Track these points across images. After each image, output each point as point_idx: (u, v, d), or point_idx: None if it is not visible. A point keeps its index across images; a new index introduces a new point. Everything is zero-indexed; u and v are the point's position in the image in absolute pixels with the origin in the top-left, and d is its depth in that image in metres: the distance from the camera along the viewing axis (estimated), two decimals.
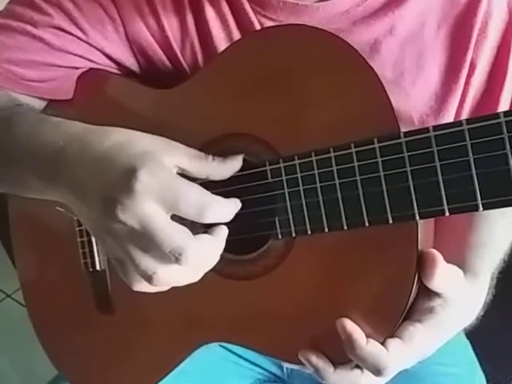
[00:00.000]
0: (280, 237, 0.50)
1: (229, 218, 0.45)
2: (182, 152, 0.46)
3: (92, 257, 0.64)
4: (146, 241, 0.41)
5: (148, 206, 0.40)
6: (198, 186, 0.43)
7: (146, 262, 0.41)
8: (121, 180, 0.41)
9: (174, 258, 0.40)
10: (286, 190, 0.48)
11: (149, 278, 0.42)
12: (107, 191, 0.41)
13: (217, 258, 0.45)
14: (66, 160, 0.45)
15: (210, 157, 0.48)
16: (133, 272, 0.43)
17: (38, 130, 0.49)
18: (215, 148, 0.53)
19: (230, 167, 0.49)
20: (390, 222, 0.43)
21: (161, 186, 0.40)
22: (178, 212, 0.42)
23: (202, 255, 0.43)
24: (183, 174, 0.45)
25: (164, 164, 0.42)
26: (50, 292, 0.71)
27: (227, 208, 0.45)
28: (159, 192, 0.40)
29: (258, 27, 0.57)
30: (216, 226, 0.46)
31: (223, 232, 0.46)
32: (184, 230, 0.42)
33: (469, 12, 0.56)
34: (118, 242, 0.42)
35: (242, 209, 0.48)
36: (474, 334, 0.63)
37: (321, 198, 0.46)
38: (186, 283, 0.44)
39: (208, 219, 0.43)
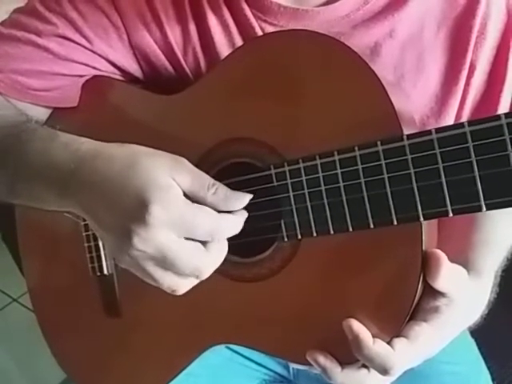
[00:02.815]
0: (286, 239, 0.50)
1: (239, 229, 0.47)
2: (185, 176, 0.45)
3: (99, 261, 0.65)
4: (167, 264, 0.44)
5: (163, 236, 0.42)
6: (206, 209, 0.45)
7: (168, 280, 0.45)
8: (134, 213, 0.42)
9: (195, 276, 0.45)
10: (291, 194, 0.49)
11: (172, 292, 0.46)
12: (122, 222, 0.43)
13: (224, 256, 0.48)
14: (77, 187, 0.46)
15: (213, 189, 0.46)
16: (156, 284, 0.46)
17: (48, 149, 0.50)
18: (220, 153, 0.53)
19: (230, 205, 0.46)
20: (395, 223, 0.44)
21: (173, 217, 0.42)
22: (191, 237, 0.44)
23: (216, 264, 0.46)
24: None
25: (173, 192, 0.44)
26: (57, 296, 0.71)
27: (236, 224, 0.47)
28: (172, 222, 0.43)
29: (259, 32, 0.58)
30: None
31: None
32: (199, 249, 0.44)
33: (468, 14, 0.56)
34: (137, 265, 0.45)
35: (248, 212, 0.49)
36: (478, 333, 0.64)
37: (326, 200, 0.47)
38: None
39: (220, 239, 0.46)
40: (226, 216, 0.46)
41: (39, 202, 0.53)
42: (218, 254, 0.46)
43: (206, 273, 0.45)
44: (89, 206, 0.46)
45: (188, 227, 0.43)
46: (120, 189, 0.44)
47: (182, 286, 0.46)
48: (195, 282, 0.46)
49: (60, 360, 0.72)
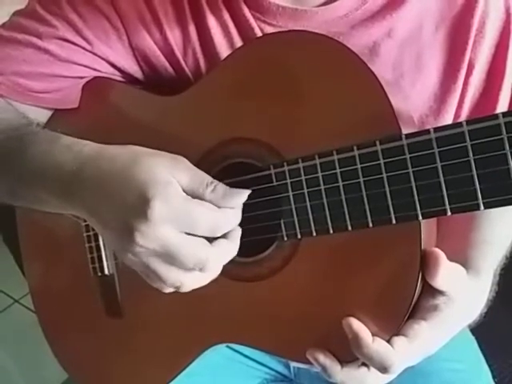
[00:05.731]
0: (285, 239, 0.50)
1: (237, 222, 0.48)
2: (184, 174, 0.46)
3: (100, 261, 0.65)
4: (169, 258, 0.44)
5: (165, 231, 0.43)
6: (207, 204, 0.45)
7: (172, 275, 0.45)
8: (136, 209, 0.43)
9: (199, 269, 0.45)
10: (291, 193, 0.49)
11: (177, 288, 0.46)
12: (124, 218, 0.43)
13: (233, 256, 0.48)
14: (80, 186, 0.47)
15: (212, 186, 0.46)
16: (160, 282, 0.46)
17: (51, 151, 0.50)
18: (220, 153, 0.54)
19: (229, 202, 0.47)
20: (394, 222, 0.44)
21: (174, 212, 0.43)
22: (192, 232, 0.44)
23: (221, 259, 0.46)
24: None
25: (173, 188, 0.44)
26: (59, 297, 0.72)
27: (236, 218, 0.47)
28: (173, 217, 0.43)
29: (258, 33, 0.58)
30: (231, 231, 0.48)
31: (237, 233, 0.48)
32: (202, 242, 0.45)
33: (466, 13, 0.57)
34: (141, 262, 0.45)
35: (247, 212, 0.49)
36: (478, 331, 0.64)
37: (325, 200, 0.47)
38: (208, 282, 0.47)
39: (220, 234, 0.46)
40: (225, 210, 0.46)
41: (40, 203, 0.53)
42: (223, 248, 0.46)
43: (211, 266, 0.45)
44: (91, 205, 0.46)
45: (189, 221, 0.44)
46: (122, 186, 0.44)
47: (186, 281, 0.45)
48: (201, 277, 0.46)
49: (62, 361, 0.73)
